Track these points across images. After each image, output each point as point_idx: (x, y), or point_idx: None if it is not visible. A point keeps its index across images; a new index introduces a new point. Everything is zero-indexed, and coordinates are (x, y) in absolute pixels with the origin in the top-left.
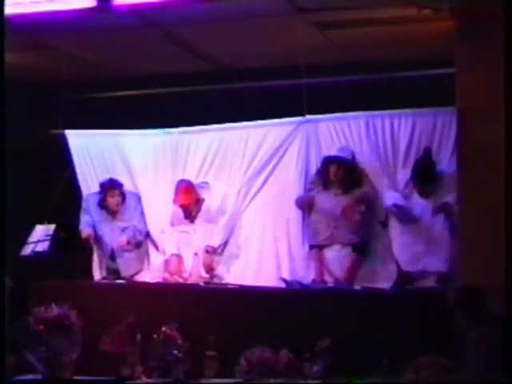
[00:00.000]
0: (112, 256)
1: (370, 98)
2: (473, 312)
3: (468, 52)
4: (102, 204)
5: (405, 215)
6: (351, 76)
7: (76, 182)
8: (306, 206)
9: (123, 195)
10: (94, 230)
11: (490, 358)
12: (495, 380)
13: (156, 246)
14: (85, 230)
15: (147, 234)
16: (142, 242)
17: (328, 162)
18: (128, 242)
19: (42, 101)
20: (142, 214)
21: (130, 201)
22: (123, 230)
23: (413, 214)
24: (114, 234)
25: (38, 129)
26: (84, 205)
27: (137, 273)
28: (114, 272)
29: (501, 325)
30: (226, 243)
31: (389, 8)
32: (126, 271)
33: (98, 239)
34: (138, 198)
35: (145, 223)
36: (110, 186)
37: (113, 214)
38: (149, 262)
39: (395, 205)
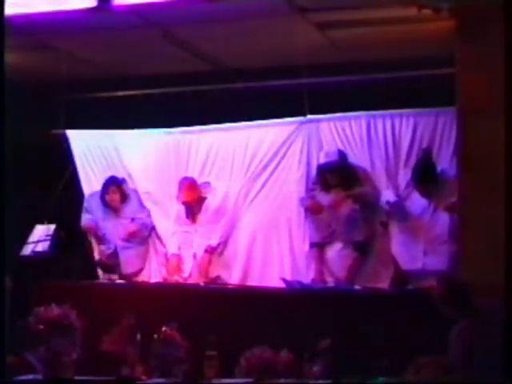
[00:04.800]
0: (114, 252)
1: (371, 98)
2: (458, 304)
3: (468, 52)
4: (104, 201)
5: (400, 212)
6: (351, 76)
7: (77, 181)
8: (310, 206)
9: (123, 193)
10: (96, 227)
11: (471, 351)
12: (495, 380)
13: (159, 244)
14: (86, 224)
15: (151, 233)
16: (146, 238)
17: (321, 170)
18: (134, 233)
19: (42, 101)
20: (148, 210)
21: (133, 199)
22: (132, 220)
23: (407, 209)
24: (117, 231)
25: (39, 129)
26: (85, 204)
27: (137, 271)
28: (114, 269)
29: (487, 320)
30: (225, 243)
31: (389, 8)
32: (126, 269)
33: (100, 236)
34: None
35: (151, 220)
36: (109, 183)
37: (115, 211)
38: (150, 262)
39: (388, 202)
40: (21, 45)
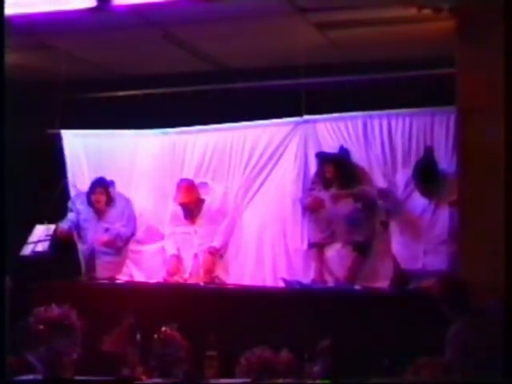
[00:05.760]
0: (91, 255)
1: (369, 98)
2: (458, 304)
3: (468, 52)
4: (89, 201)
5: (394, 202)
6: (350, 76)
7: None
8: (310, 203)
9: (109, 196)
10: (77, 229)
11: (470, 351)
12: (495, 380)
13: (137, 245)
14: (61, 227)
15: (128, 241)
16: (121, 248)
17: (322, 160)
18: (107, 243)
19: (42, 101)
20: (129, 219)
21: (118, 204)
22: (106, 230)
23: (405, 206)
24: (96, 234)
25: (38, 129)
26: (70, 204)
27: (113, 277)
28: (91, 272)
29: (485, 319)
30: (227, 244)
31: (389, 8)
32: (102, 273)
33: (80, 237)
34: (128, 202)
35: (130, 229)
36: (96, 184)
37: (99, 213)
38: (129, 269)
39: (379, 191)
40: (21, 45)
